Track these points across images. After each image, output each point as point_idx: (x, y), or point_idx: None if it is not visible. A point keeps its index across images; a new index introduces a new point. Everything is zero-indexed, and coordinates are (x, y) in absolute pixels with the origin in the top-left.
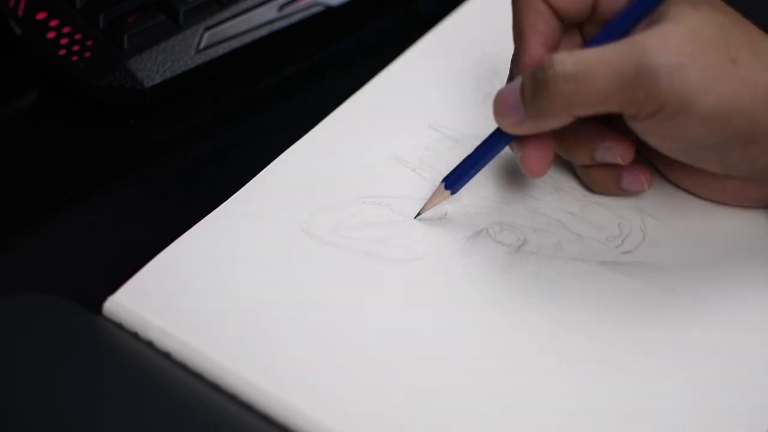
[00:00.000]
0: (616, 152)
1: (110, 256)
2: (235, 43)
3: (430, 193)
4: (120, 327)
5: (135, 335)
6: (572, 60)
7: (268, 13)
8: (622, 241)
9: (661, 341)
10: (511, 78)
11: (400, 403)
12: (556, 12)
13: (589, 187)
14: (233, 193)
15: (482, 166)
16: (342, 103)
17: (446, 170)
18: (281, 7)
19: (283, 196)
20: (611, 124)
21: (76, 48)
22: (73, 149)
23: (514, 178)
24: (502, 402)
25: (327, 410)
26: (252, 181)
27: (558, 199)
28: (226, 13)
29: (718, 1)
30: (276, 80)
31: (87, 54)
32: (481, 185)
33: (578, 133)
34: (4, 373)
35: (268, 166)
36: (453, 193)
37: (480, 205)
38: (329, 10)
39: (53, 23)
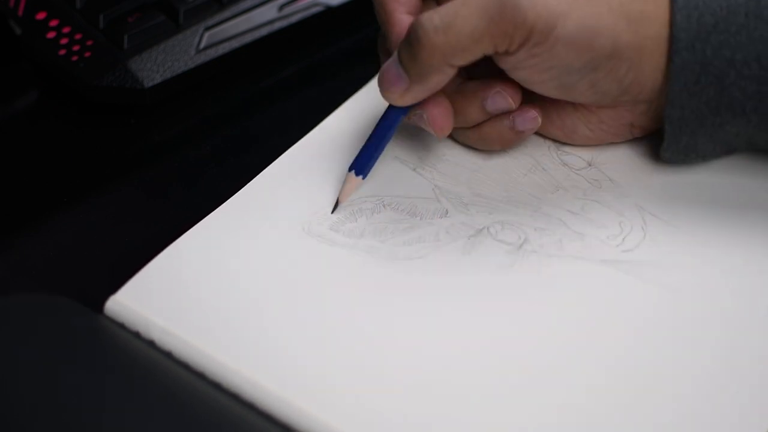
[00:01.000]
0: (506, 95)
1: (112, 255)
2: (235, 43)
3: (430, 193)
4: (122, 326)
5: (137, 334)
6: (438, 14)
7: (268, 13)
8: (623, 239)
9: (662, 339)
10: (383, 59)
11: (401, 401)
12: None
13: (486, 148)
14: (233, 193)
15: (384, 146)
16: (342, 103)
17: (447, 169)
18: (281, 7)
19: (285, 196)
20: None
21: (76, 48)
22: (73, 149)
23: (515, 177)
24: (502, 400)
25: (328, 409)
26: (253, 180)
27: (559, 197)
28: (226, 13)
29: None
30: (276, 80)
31: (87, 54)
32: (482, 184)
33: (465, 91)
34: (6, 372)
35: (270, 166)
36: (363, 177)
37: (481, 203)
38: (329, 10)
39: (53, 23)
